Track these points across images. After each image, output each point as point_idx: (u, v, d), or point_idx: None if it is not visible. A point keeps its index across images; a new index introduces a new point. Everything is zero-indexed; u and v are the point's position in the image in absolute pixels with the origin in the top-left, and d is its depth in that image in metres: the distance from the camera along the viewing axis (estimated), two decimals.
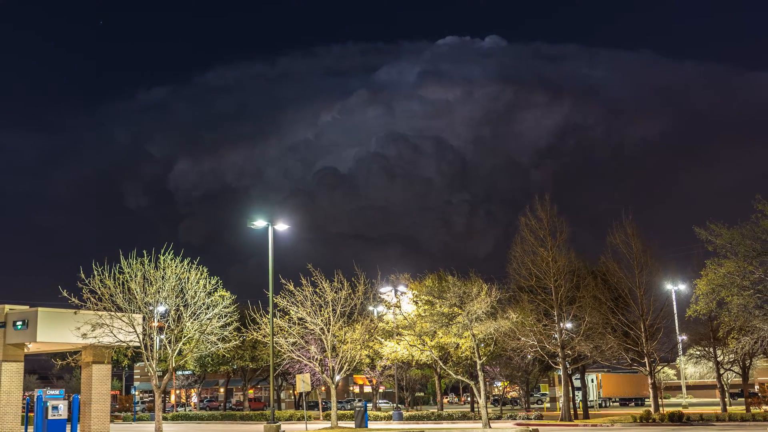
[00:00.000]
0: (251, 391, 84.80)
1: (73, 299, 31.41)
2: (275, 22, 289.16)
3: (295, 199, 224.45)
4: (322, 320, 37.80)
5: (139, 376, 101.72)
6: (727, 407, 50.56)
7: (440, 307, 40.66)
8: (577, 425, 41.57)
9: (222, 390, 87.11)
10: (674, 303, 52.25)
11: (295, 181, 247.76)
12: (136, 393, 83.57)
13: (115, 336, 31.69)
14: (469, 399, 74.47)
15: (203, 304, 33.46)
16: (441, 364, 45.53)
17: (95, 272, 31.63)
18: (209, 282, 33.86)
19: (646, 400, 67.76)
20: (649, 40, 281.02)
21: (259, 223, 39.05)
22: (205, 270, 33.85)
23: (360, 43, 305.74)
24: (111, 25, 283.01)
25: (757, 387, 63.43)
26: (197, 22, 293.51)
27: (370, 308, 48.28)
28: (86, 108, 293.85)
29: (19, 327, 33.35)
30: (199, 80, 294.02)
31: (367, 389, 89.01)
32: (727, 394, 54.31)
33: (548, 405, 61.59)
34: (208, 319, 33.61)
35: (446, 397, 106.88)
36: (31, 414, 41.80)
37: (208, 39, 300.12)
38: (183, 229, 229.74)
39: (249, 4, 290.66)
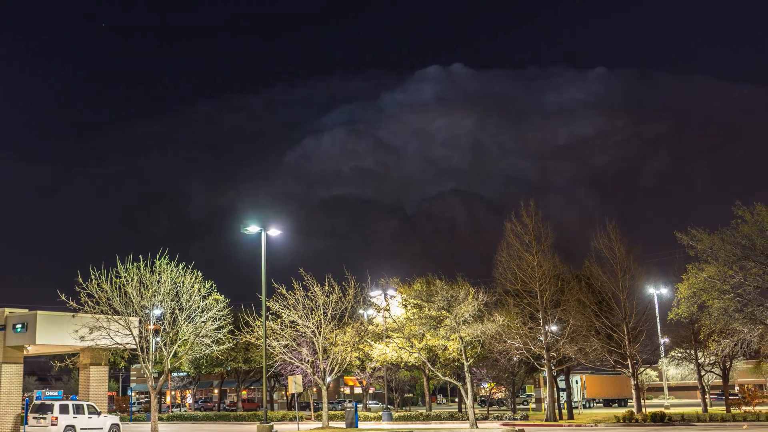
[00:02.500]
0: (245, 392, 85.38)
1: (72, 303, 32.34)
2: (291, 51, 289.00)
3: (294, 208, 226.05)
4: (313, 323, 38.51)
5: (135, 378, 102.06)
6: (708, 408, 51.66)
7: (428, 310, 41.47)
8: (561, 425, 42.50)
9: (216, 391, 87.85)
10: (656, 306, 53.22)
11: (301, 203, 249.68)
12: (133, 394, 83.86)
13: (112, 338, 32.53)
14: (456, 400, 75.37)
15: (198, 307, 34.25)
16: (429, 365, 46.24)
17: (92, 276, 32.46)
18: (204, 286, 34.71)
19: (629, 400, 68.61)
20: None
21: (253, 228, 39.16)
22: (200, 274, 34.72)
23: (370, 74, 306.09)
24: (118, 40, 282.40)
25: (737, 388, 64.50)
26: (216, 51, 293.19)
27: (360, 311, 49.22)
28: (98, 134, 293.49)
29: (19, 330, 34.18)
30: (211, 106, 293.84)
31: (358, 390, 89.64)
32: (708, 395, 55.42)
33: (534, 406, 62.34)
34: (202, 322, 34.38)
35: (434, 398, 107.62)
36: None
37: (232, 64, 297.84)
38: (194, 249, 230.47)
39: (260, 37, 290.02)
